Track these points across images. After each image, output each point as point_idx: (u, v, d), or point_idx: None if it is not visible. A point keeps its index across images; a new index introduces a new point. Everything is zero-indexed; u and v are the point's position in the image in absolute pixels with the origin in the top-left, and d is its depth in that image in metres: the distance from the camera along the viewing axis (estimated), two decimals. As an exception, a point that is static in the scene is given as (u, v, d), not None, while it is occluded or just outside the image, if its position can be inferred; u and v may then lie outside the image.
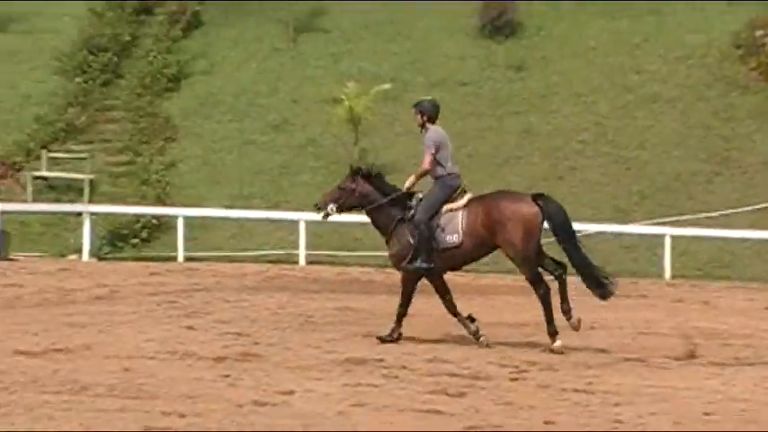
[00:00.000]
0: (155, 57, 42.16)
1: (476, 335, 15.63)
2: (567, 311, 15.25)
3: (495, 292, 24.19)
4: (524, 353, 14.92)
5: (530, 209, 15.40)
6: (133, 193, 36.56)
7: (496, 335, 16.11)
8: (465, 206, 15.59)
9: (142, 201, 35.54)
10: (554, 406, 11.26)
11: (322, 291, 23.59)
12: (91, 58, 41.91)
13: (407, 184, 15.98)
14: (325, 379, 12.40)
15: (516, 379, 12.90)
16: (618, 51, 40.68)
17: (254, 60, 42.21)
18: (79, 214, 33.72)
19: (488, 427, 10.07)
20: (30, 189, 36.62)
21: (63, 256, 32.90)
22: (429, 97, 17.02)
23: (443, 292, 15.98)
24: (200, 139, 39.09)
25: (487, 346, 15.35)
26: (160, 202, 35.48)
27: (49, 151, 37.97)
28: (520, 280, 24.39)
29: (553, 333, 15.20)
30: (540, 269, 15.49)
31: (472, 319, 15.81)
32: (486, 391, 11.97)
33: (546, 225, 15.57)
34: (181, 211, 33.32)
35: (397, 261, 15.88)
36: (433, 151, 15.71)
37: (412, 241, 15.48)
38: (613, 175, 36.69)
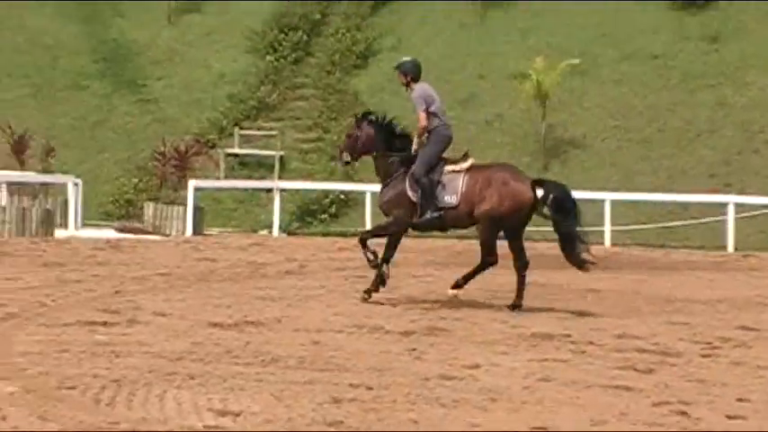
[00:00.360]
0: (343, 35, 42.54)
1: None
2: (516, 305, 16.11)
3: (686, 268, 23.80)
4: (717, 329, 14.61)
5: (525, 191, 15.92)
6: (322, 169, 36.97)
7: (691, 310, 15.84)
8: (467, 170, 16.20)
9: (330, 177, 35.92)
10: (748, 383, 10.97)
11: (508, 266, 23.43)
12: (282, 36, 42.48)
13: (414, 146, 16.50)
14: (512, 353, 12.32)
15: (708, 356, 12.63)
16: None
17: (442, 36, 42.22)
18: (270, 190, 34.19)
19: (679, 404, 9.85)
20: (222, 166, 37.32)
21: (254, 231, 33.44)
22: (408, 57, 17.72)
23: (396, 244, 16.74)
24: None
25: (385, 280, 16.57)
26: (348, 178, 35.75)
27: (241, 129, 38.63)
28: (711, 256, 23.95)
29: (459, 286, 16.49)
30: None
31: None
32: (677, 368, 11.75)
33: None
34: (368, 187, 33.37)
35: (388, 206, 16.69)
36: (424, 107, 16.42)
37: (410, 195, 16.12)
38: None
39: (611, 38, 40.40)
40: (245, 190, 35.95)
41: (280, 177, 36.15)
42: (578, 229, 16.40)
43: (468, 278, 16.51)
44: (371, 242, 16.84)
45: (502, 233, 16.45)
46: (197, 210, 32.00)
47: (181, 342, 12.37)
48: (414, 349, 12.44)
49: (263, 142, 38.44)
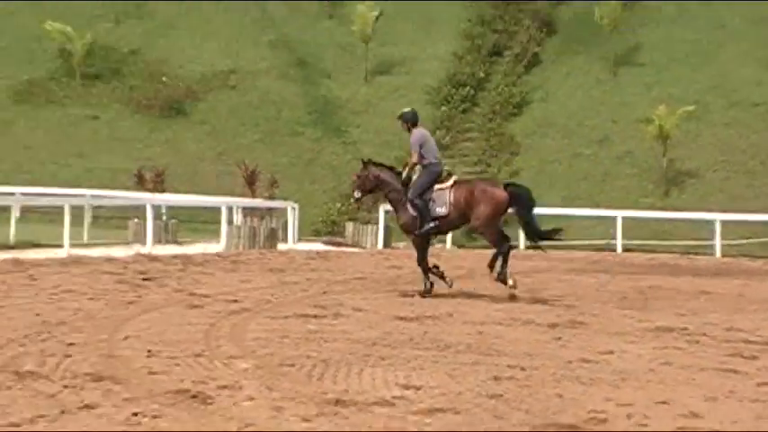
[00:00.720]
0: (503, 89, 42.40)
1: (445, 280, 17.23)
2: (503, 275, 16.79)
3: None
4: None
5: (500, 193, 16.72)
6: (486, 195, 36.83)
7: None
8: (452, 186, 16.79)
9: (493, 201, 35.74)
10: None
11: (635, 273, 23.07)
12: (453, 91, 42.51)
13: (404, 174, 17.15)
14: (639, 343, 12.10)
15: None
16: None
17: (581, 89, 41.76)
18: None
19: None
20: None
21: (432, 244, 33.40)
22: (408, 108, 17.80)
23: (425, 248, 17.35)
24: (538, 153, 38.98)
25: (451, 284, 17.22)
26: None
27: (421, 164, 38.62)
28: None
29: (505, 279, 16.76)
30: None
31: (438, 267, 17.36)
32: (777, 355, 11.39)
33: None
34: (522, 210, 33.30)
35: (405, 228, 17.43)
36: (418, 148, 16.85)
37: (413, 213, 16.83)
38: None
39: (720, 89, 39.53)
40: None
41: (452, 202, 36.13)
42: (535, 221, 17.35)
43: (503, 267, 16.87)
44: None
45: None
46: (386, 228, 32.19)
47: (374, 331, 12.42)
48: (559, 338, 12.31)
49: (439, 175, 38.49)
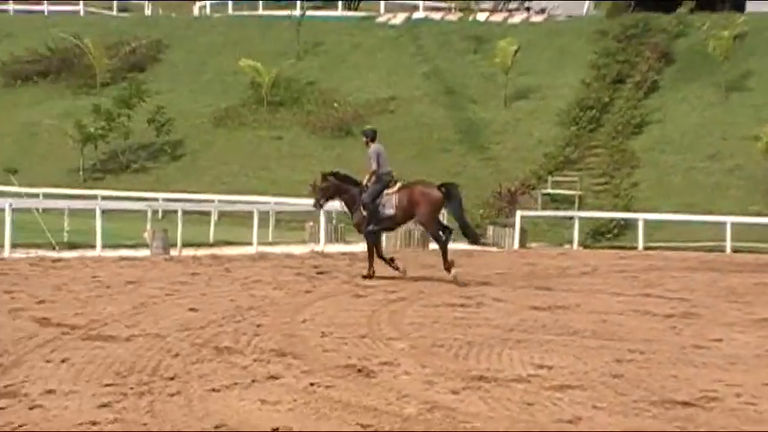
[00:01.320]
0: (625, 112, 41.69)
1: (398, 270, 17.53)
2: (448, 267, 17.06)
3: None
4: None
5: (436, 193, 17.10)
6: (608, 203, 36.24)
7: None
8: (397, 191, 17.26)
9: (614, 209, 35.16)
10: None
11: (743, 271, 22.33)
12: (581, 113, 42.00)
13: (365, 181, 17.44)
14: (746, 332, 11.71)
15: None
16: None
17: (695, 112, 40.72)
18: (571, 218, 33.71)
19: None
20: (539, 201, 37.01)
21: (560, 245, 33.00)
22: (369, 126, 19.22)
23: (379, 244, 17.92)
24: (656, 167, 38.12)
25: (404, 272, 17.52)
26: (627, 209, 34.96)
27: (552, 176, 38.23)
28: None
29: (449, 267, 17.04)
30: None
31: (393, 260, 17.78)
32: None
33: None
34: (641, 216, 32.66)
35: (357, 227, 17.85)
36: (376, 158, 17.28)
37: (364, 214, 17.32)
38: None
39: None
40: (555, 218, 35.53)
41: (579, 209, 35.57)
42: (464, 217, 17.78)
43: (446, 258, 17.19)
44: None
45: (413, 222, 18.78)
46: (522, 231, 31.94)
47: (512, 318, 12.34)
48: (674, 327, 12.00)
49: (568, 185, 37.95)
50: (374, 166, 17.33)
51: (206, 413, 6.89)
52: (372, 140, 17.70)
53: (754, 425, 7.02)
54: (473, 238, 18.20)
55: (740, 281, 19.15)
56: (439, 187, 17.35)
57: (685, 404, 7.52)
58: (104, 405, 6.97)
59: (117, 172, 44.52)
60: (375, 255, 17.62)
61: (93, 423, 6.48)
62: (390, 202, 17.22)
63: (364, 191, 17.39)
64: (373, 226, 17.35)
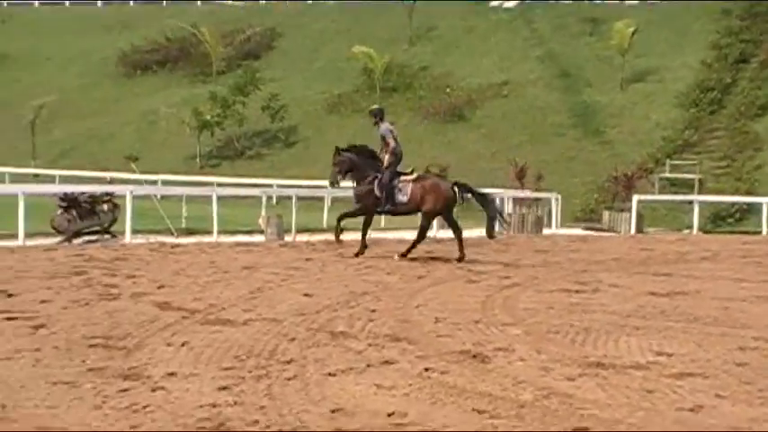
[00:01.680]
0: (748, 92, 40.55)
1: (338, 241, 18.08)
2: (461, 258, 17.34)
3: None
4: None
5: (449, 190, 17.39)
6: (730, 187, 35.37)
7: None
8: (413, 180, 17.43)
9: (736, 192, 34.32)
10: None
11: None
12: (701, 95, 41.09)
13: (386, 162, 17.44)
14: None
15: None
16: None
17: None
18: (690, 202, 33.02)
19: None
20: (657, 185, 36.34)
21: (679, 230, 32.36)
22: (376, 105, 18.91)
23: (369, 222, 18.06)
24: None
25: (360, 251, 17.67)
26: (749, 193, 34.07)
27: (671, 160, 37.49)
28: None
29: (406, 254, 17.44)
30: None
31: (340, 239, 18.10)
32: None
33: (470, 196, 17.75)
34: (765, 200, 31.77)
35: (360, 198, 17.79)
36: (391, 135, 17.45)
37: (377, 193, 17.40)
38: None
39: None
40: (674, 202, 34.78)
41: (699, 193, 34.78)
42: (494, 210, 18.25)
43: (414, 247, 17.66)
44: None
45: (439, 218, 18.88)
46: (639, 215, 31.39)
47: (629, 304, 12.16)
48: (800, 315, 11.65)
49: (687, 169, 37.13)
50: (392, 144, 17.61)
51: (322, 397, 6.99)
52: (382, 120, 18.04)
53: None
54: (489, 232, 18.30)
55: None
56: (453, 185, 17.68)
57: (814, 394, 7.30)
58: (223, 388, 7.13)
59: (232, 158, 45.41)
60: (366, 229, 17.98)
61: (214, 405, 6.64)
62: (406, 190, 17.46)
63: (380, 167, 17.51)
64: (389, 206, 17.59)
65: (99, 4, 61.46)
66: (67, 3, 61.64)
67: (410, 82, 47.92)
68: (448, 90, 46.41)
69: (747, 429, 6.39)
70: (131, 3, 60.58)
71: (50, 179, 39.21)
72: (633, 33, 43.45)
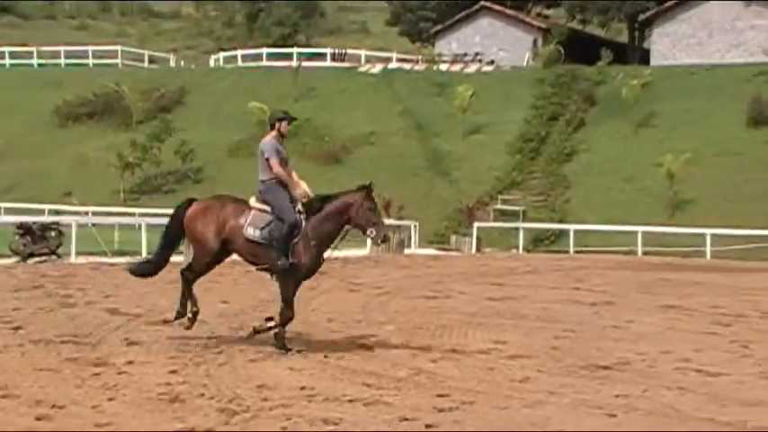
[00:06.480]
0: (559, 143, 42.31)
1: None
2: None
3: None
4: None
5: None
6: (546, 217, 36.77)
7: None
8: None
9: (551, 221, 35.74)
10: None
11: (651, 270, 22.92)
12: (524, 145, 42.51)
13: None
14: (651, 316, 12.25)
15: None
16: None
17: (613, 143, 41.40)
18: (517, 228, 34.32)
19: None
20: (491, 215, 37.52)
21: (508, 250, 33.51)
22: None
23: None
24: (584, 187, 38.69)
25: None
26: (561, 221, 35.56)
27: (502, 195, 38.78)
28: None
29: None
30: None
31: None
32: None
33: None
34: (572, 226, 33.35)
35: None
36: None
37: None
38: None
39: (711, 143, 38.55)
40: (504, 228, 35.88)
41: (523, 221, 35.96)
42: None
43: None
44: None
45: None
46: (478, 239, 32.55)
47: (473, 307, 12.82)
48: (597, 312, 12.52)
49: (514, 202, 38.46)
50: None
51: (249, 377, 7.48)
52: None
53: (653, 380, 7.70)
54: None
55: (648, 277, 19.77)
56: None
57: (605, 367, 8.18)
58: (173, 371, 7.55)
59: (150, 193, 44.86)
60: None
61: (168, 384, 7.06)
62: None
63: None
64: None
65: (35, 65, 60.23)
66: (8, 64, 60.40)
67: (296, 131, 48.06)
68: (326, 138, 47.02)
69: (558, 392, 7.18)
70: (63, 66, 59.48)
71: (-3, 210, 38.01)
72: (471, 95, 44.81)
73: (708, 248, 30.82)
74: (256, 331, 8.87)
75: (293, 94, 50.84)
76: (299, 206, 8.99)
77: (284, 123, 9.32)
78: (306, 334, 9.65)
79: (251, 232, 8.82)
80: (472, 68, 51.84)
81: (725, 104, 41.00)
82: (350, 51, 57.73)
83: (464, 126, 45.11)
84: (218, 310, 11.64)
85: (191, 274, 9.29)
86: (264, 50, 58.50)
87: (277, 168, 9.00)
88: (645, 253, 31.18)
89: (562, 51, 48.92)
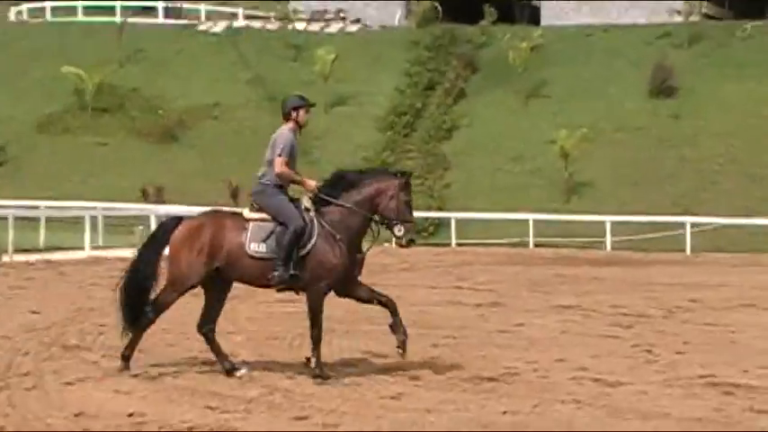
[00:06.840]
0: (436, 117, 43.03)
1: None
2: None
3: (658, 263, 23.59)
4: (674, 300, 14.78)
5: None
6: (424, 203, 37.26)
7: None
8: None
9: (428, 209, 36.32)
10: (690, 334, 11.25)
11: (544, 264, 23.73)
12: (396, 119, 43.10)
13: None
14: (544, 318, 12.78)
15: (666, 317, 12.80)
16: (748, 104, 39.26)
17: (499, 117, 42.50)
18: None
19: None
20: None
21: (381, 244, 33.85)
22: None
23: None
24: (465, 169, 39.65)
25: None
26: (440, 209, 36.29)
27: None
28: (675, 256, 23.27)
29: None
30: None
31: None
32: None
33: None
34: (453, 215, 34.08)
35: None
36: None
37: None
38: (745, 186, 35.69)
39: (609, 116, 40.20)
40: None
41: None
42: None
43: None
44: None
45: None
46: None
47: (339, 311, 12.76)
48: (482, 315, 12.97)
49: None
50: None
51: (64, 403, 7.28)
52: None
53: (546, 393, 7.97)
54: None
55: (541, 273, 20.44)
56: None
57: (491, 379, 8.42)
58: (-35, 401, 7.24)
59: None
60: None
61: (-41, 417, 6.77)
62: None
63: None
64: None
65: None
66: None
67: (122, 103, 47.09)
68: (160, 111, 46.10)
69: (437, 409, 7.33)
70: None
71: None
72: (333, 60, 44.92)
73: (608, 238, 32.12)
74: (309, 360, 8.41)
75: (117, 57, 49.51)
76: (305, 202, 8.79)
77: (302, 112, 9.28)
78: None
79: (255, 248, 8.55)
80: (334, 28, 51.97)
81: (625, 71, 42.74)
82: (186, 5, 56.66)
83: (326, 97, 45.10)
84: (26, 321, 11.26)
85: (153, 314, 8.74)
86: (80, 2, 56.56)
87: (281, 168, 8.82)
88: (537, 245, 32.18)
89: (439, 8, 49.77)
